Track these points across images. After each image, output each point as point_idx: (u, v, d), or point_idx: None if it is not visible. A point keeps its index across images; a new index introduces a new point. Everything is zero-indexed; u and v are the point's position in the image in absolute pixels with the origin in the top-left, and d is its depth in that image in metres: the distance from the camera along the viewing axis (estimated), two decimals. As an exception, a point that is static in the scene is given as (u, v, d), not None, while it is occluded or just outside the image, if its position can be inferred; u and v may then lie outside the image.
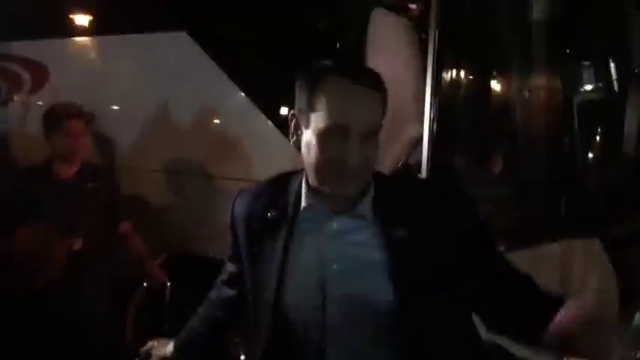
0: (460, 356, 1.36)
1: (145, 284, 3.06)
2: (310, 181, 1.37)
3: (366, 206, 1.35)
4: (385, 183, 1.39)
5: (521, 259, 2.40)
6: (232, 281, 1.58)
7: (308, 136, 1.31)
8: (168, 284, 2.99)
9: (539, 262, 2.42)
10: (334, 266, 1.33)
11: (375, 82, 1.30)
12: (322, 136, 1.27)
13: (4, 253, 2.61)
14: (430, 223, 1.32)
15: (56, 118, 2.81)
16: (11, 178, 2.98)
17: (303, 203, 1.38)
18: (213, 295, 1.66)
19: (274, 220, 1.39)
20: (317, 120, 1.28)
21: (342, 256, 1.34)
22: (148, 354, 1.69)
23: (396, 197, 1.36)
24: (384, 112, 1.32)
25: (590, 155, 2.73)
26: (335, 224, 1.36)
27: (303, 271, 1.35)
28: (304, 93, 1.31)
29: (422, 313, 1.29)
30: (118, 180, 3.10)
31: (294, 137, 1.37)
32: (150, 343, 1.71)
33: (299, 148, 1.35)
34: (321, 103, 1.27)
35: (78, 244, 2.75)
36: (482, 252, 1.38)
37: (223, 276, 1.63)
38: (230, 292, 1.60)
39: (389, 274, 1.29)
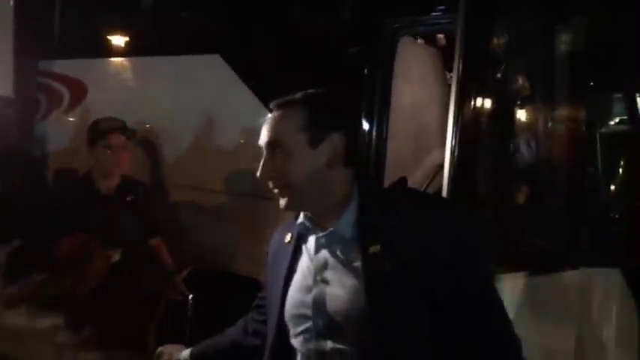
0: None
1: (168, 296, 3.12)
2: None
3: (343, 224, 1.36)
4: (376, 200, 1.37)
5: (541, 285, 2.42)
6: (260, 307, 1.65)
7: None
8: (191, 297, 3.05)
9: (559, 290, 2.43)
10: (314, 280, 1.38)
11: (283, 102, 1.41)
12: None
13: (45, 261, 2.68)
14: (410, 245, 1.27)
15: (99, 131, 2.90)
16: (53, 189, 3.07)
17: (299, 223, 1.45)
18: (245, 317, 1.71)
19: (286, 243, 1.48)
20: None
21: (319, 271, 1.38)
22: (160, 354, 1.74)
23: (382, 215, 1.33)
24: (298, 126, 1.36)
25: (613, 186, 2.73)
26: (311, 242, 1.41)
27: (296, 287, 1.42)
28: None
29: (392, 328, 1.28)
30: (155, 195, 3.18)
31: None
32: (160, 349, 1.77)
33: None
34: None
35: (116, 256, 2.80)
36: (463, 303, 1.26)
37: (256, 301, 1.69)
38: (258, 317, 1.66)
39: (362, 288, 1.30)
